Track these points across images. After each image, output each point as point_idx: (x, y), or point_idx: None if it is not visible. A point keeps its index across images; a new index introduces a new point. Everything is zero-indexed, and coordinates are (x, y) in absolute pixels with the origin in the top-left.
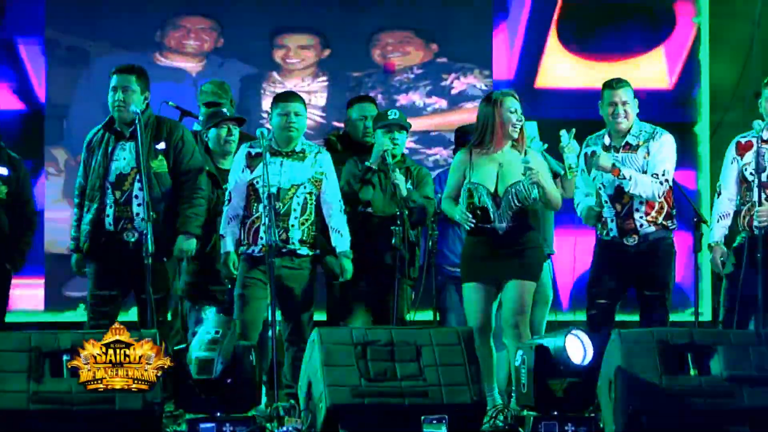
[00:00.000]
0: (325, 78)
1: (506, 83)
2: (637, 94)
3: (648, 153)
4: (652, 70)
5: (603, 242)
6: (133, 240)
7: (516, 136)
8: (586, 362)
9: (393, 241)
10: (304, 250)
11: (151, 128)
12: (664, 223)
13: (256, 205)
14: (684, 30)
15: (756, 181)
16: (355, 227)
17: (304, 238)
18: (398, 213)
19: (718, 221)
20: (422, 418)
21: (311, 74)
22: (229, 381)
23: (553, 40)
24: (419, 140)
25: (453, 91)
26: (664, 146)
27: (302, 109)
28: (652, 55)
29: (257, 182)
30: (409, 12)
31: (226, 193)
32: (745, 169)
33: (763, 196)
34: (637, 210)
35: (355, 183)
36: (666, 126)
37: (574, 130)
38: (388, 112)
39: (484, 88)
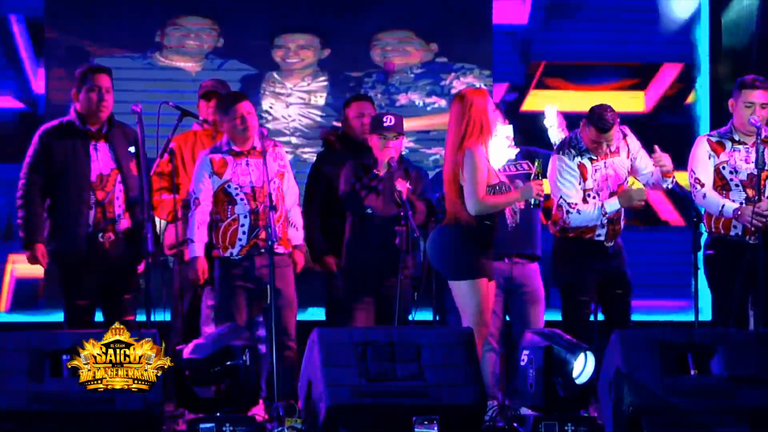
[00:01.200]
0: (325, 78)
1: (521, 26)
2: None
3: (628, 152)
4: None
5: (579, 242)
6: (110, 241)
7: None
8: (583, 381)
9: (396, 241)
10: (281, 248)
11: (120, 130)
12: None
13: (230, 207)
14: (666, 77)
15: (734, 180)
16: (356, 229)
17: (279, 235)
18: (401, 213)
19: (722, 198)
20: (413, 418)
21: (311, 74)
22: (228, 382)
23: None
24: (419, 140)
25: (453, 91)
26: (635, 139)
27: (251, 107)
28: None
29: (228, 186)
30: (409, 12)
31: (192, 200)
32: (723, 168)
33: (743, 196)
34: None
35: (360, 189)
36: (666, 126)
37: (557, 105)
38: (384, 118)
39: (484, 87)
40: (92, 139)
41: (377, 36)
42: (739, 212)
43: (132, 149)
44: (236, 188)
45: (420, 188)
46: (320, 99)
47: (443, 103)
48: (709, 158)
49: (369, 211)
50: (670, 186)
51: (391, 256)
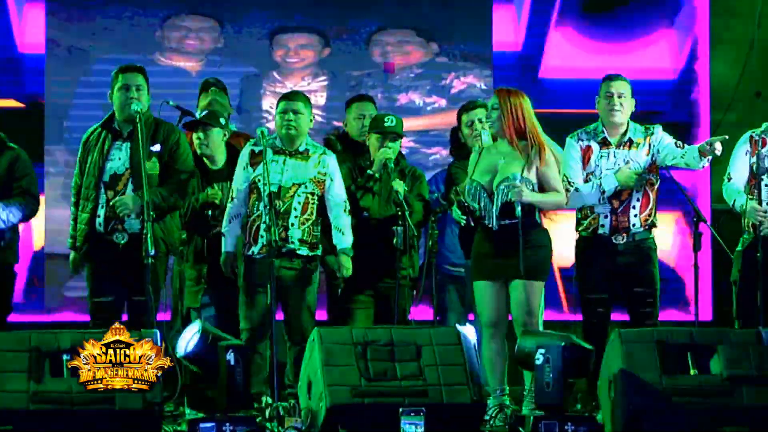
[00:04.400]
0: (325, 78)
1: (513, 54)
2: (640, 85)
3: (649, 150)
4: (655, 57)
5: (589, 240)
6: (123, 242)
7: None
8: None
9: (394, 241)
10: (304, 250)
11: (148, 129)
12: (652, 221)
13: (257, 203)
14: (690, 11)
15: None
16: (353, 231)
17: (304, 237)
18: (398, 214)
19: (739, 193)
20: (400, 410)
21: (311, 74)
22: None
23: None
24: (419, 140)
25: (453, 91)
26: (666, 137)
27: (302, 108)
28: (658, 37)
29: (259, 180)
30: (409, 12)
31: (232, 191)
32: (759, 167)
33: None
34: (633, 207)
35: (355, 190)
36: (666, 126)
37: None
38: (385, 119)
39: (483, 87)
40: (117, 138)
41: (377, 36)
42: (753, 211)
43: (157, 147)
44: (265, 184)
45: (417, 188)
46: (320, 99)
47: (443, 103)
48: (746, 155)
49: (366, 214)
50: (705, 165)
51: (389, 257)
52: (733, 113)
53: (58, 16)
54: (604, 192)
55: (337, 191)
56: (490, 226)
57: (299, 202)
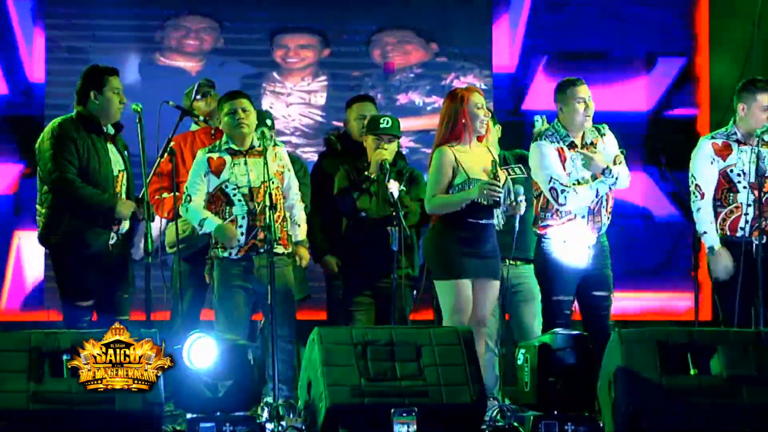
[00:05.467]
0: (325, 78)
1: (508, 76)
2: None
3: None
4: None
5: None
6: (112, 242)
7: (483, 132)
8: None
9: (389, 242)
10: (280, 248)
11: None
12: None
13: (228, 208)
14: (667, 68)
15: (742, 183)
16: (350, 232)
17: (278, 236)
18: (393, 214)
19: (710, 224)
20: (392, 411)
21: (311, 74)
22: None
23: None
24: (419, 139)
25: None
26: (612, 135)
27: (249, 105)
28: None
29: (226, 186)
30: (409, 12)
31: (185, 196)
32: (731, 171)
33: (753, 198)
34: (604, 207)
35: (351, 191)
36: (665, 125)
37: (545, 117)
38: (381, 120)
39: (483, 87)
40: (106, 140)
41: (377, 36)
42: (715, 255)
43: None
44: (234, 188)
45: (414, 189)
46: (320, 99)
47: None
48: (712, 163)
49: (363, 214)
50: (611, 186)
51: (386, 257)
52: (732, 113)
53: (58, 16)
54: (597, 196)
55: (292, 182)
56: (496, 224)
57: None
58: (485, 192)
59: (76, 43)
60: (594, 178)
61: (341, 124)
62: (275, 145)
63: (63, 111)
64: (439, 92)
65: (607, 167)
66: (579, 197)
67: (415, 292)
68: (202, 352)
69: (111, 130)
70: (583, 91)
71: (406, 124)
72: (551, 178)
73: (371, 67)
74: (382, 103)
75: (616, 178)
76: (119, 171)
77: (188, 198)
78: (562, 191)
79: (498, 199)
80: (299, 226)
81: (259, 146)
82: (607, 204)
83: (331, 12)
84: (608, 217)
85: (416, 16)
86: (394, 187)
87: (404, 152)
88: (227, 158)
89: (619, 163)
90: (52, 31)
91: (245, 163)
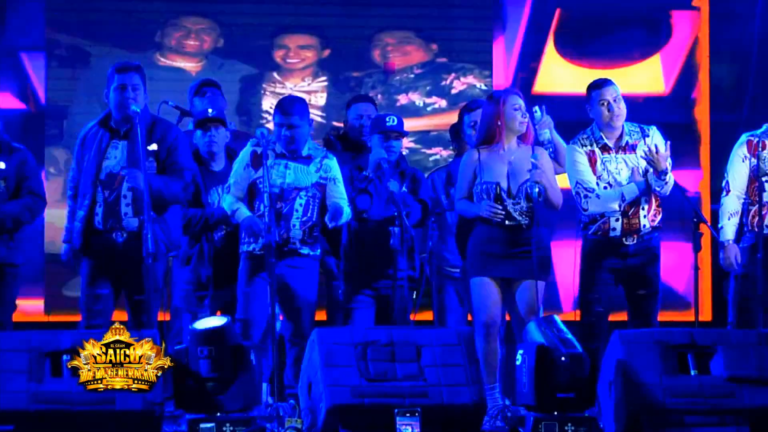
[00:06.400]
0: (325, 78)
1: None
2: (634, 98)
3: (646, 151)
4: (648, 76)
5: (599, 242)
6: (121, 240)
7: (523, 130)
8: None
9: (391, 242)
10: (306, 250)
11: (146, 128)
12: (659, 223)
13: (257, 203)
14: (681, 38)
15: None
16: (351, 231)
17: (305, 238)
18: (395, 214)
19: (729, 219)
20: (395, 411)
21: (311, 74)
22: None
23: (550, 49)
24: (419, 140)
25: (453, 91)
26: (662, 141)
27: (298, 121)
28: (649, 62)
29: (260, 182)
30: (409, 12)
31: (226, 186)
32: (760, 169)
33: None
34: (643, 208)
35: (353, 191)
36: (665, 126)
37: (545, 106)
38: (387, 118)
39: (483, 88)
40: (114, 137)
41: (377, 36)
42: (725, 250)
43: (154, 146)
44: (265, 187)
45: (416, 189)
46: (320, 99)
47: (443, 103)
48: (744, 161)
49: (364, 215)
50: (660, 189)
51: (387, 257)
52: (732, 113)
53: (58, 15)
54: (625, 201)
55: (340, 194)
56: (521, 222)
57: (301, 205)
58: (491, 213)
59: (76, 43)
60: (638, 180)
61: (341, 124)
62: (326, 156)
63: (62, 111)
64: (440, 93)
65: (665, 170)
66: (601, 201)
67: (414, 293)
68: (212, 320)
69: (122, 128)
70: (608, 92)
71: (406, 124)
72: (576, 182)
73: (371, 67)
74: (383, 104)
75: (666, 183)
76: (122, 168)
77: (228, 188)
78: (585, 196)
79: (499, 220)
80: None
81: (306, 154)
82: (648, 206)
83: (331, 12)
84: (651, 219)
85: (416, 16)
86: (395, 187)
87: (404, 153)
88: (270, 155)
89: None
90: (52, 31)
91: (285, 166)
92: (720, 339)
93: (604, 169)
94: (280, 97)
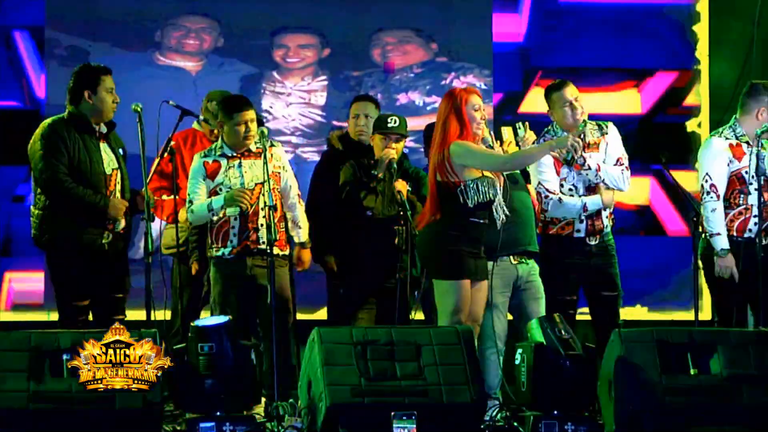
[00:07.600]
0: (325, 78)
1: (515, 44)
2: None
3: (605, 149)
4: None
5: (564, 242)
6: (107, 241)
7: (480, 134)
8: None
9: (396, 241)
10: (276, 250)
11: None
12: (613, 218)
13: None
14: (662, 79)
15: (754, 185)
16: (356, 230)
17: (276, 237)
18: (400, 213)
19: (724, 225)
20: (392, 413)
21: (311, 74)
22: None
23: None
24: (419, 139)
25: None
26: (617, 135)
27: (254, 114)
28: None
29: (220, 189)
30: (409, 12)
31: (187, 201)
32: (746, 172)
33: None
34: (604, 209)
35: (359, 190)
36: (665, 126)
37: (527, 123)
38: (388, 119)
39: (483, 87)
40: (99, 139)
41: (377, 35)
42: (726, 258)
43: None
44: (227, 191)
45: (420, 189)
46: (320, 99)
47: None
48: (729, 164)
49: (369, 213)
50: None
51: (391, 256)
52: (732, 113)
53: (58, 16)
54: (587, 211)
55: (291, 182)
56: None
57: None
58: (568, 143)
59: (76, 43)
60: (588, 188)
61: (341, 124)
62: (272, 145)
63: (62, 111)
64: (439, 92)
65: (584, 161)
66: (562, 208)
67: (416, 292)
68: (211, 319)
69: (104, 129)
70: (569, 92)
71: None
72: (539, 182)
73: (371, 67)
74: (383, 103)
75: (613, 176)
76: (113, 170)
77: (190, 203)
78: (546, 197)
79: (566, 155)
80: (301, 228)
81: (256, 147)
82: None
83: (331, 12)
84: (610, 220)
85: (416, 15)
86: (401, 187)
87: (405, 152)
88: (222, 162)
89: (622, 165)
90: (52, 31)
91: (239, 166)
92: (720, 338)
93: (569, 171)
94: (280, 96)
